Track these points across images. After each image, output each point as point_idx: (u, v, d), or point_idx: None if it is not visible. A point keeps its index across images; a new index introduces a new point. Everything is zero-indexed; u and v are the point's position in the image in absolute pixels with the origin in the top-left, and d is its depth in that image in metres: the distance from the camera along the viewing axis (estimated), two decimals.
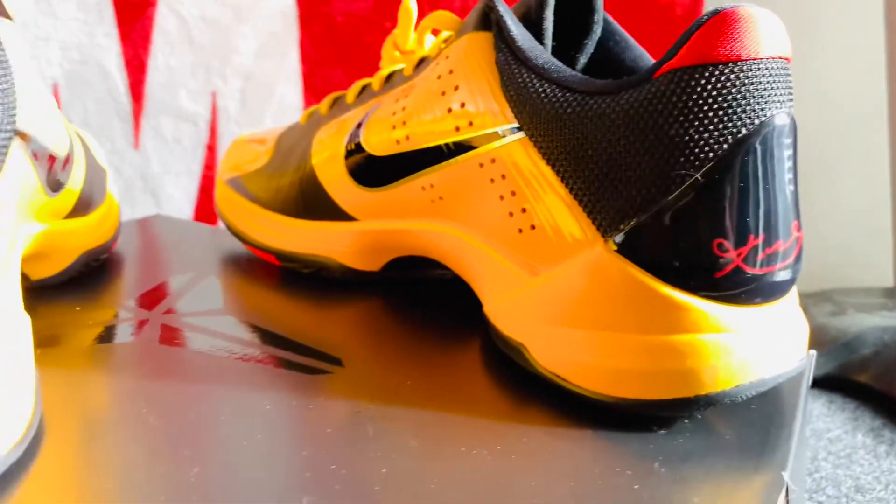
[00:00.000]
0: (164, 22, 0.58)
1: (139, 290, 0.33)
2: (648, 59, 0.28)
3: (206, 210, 0.62)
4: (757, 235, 0.21)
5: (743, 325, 0.22)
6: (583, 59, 0.28)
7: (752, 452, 0.21)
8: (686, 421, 0.23)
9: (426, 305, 0.32)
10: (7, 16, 0.24)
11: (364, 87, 0.33)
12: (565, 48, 0.28)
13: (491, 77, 0.25)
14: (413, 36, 0.32)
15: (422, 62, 0.30)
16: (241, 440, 0.21)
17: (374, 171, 0.30)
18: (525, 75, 0.24)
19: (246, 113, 0.60)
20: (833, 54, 0.57)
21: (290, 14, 0.59)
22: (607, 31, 0.28)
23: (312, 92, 0.60)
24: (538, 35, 0.26)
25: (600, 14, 0.28)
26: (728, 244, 0.21)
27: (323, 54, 0.60)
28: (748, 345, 0.22)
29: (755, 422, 0.23)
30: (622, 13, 0.31)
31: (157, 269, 0.36)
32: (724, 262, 0.21)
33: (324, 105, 0.34)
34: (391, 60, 0.33)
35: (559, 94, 0.23)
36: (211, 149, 0.61)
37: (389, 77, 0.31)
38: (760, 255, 0.21)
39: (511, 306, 0.26)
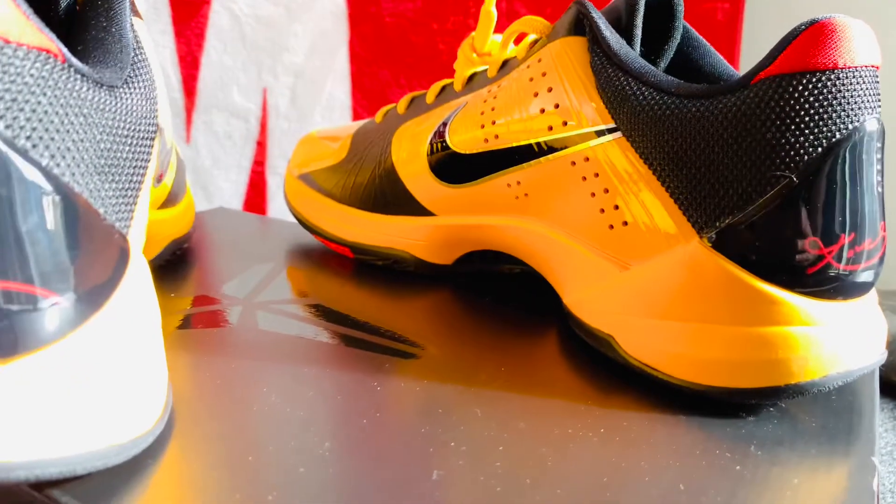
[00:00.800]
0: (218, 20, 0.60)
1: (224, 278, 0.34)
2: (725, 65, 0.29)
3: (254, 203, 0.63)
4: (847, 234, 0.23)
5: (832, 319, 0.23)
6: (663, 64, 0.29)
7: (839, 439, 0.23)
8: (771, 409, 0.24)
9: (497, 298, 0.33)
10: (138, 15, 0.25)
11: (444, 88, 0.34)
12: (647, 52, 0.29)
13: (586, 80, 0.26)
14: (493, 38, 0.33)
15: (505, 64, 0.31)
16: (361, 418, 0.22)
17: (458, 168, 0.31)
18: (622, 79, 0.25)
19: (296, 109, 0.62)
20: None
21: (341, 14, 0.60)
22: (686, 36, 0.29)
23: (360, 89, 0.62)
24: (627, 40, 0.27)
25: (681, 20, 0.29)
26: (820, 242, 0.22)
27: (371, 53, 0.61)
28: (836, 338, 0.23)
29: (837, 411, 0.24)
30: None
31: (233, 259, 0.37)
32: (815, 259, 0.23)
33: (401, 104, 0.36)
34: (468, 62, 0.35)
35: (657, 98, 0.24)
36: (260, 144, 0.62)
37: (471, 78, 0.33)
38: (849, 253, 0.23)
39: (598, 299, 0.27)
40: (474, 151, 0.30)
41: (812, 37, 0.22)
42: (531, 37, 0.30)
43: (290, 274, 0.35)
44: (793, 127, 0.22)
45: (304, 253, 0.39)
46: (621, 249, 0.26)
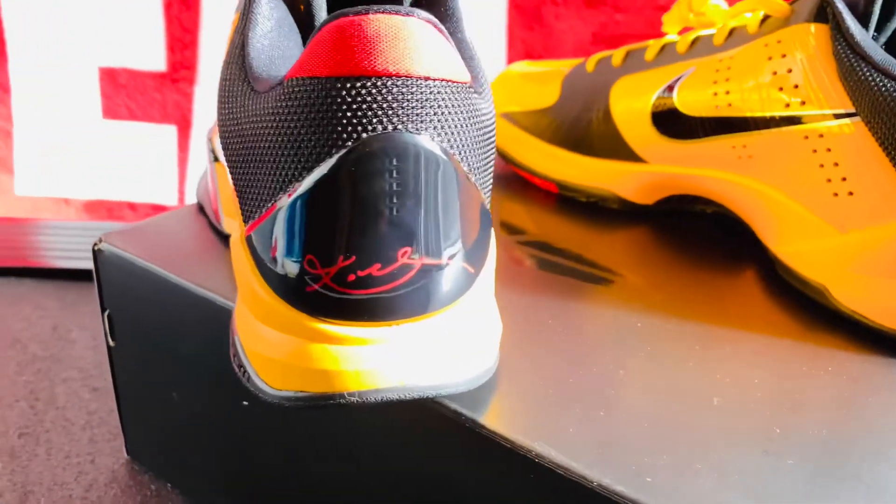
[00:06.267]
0: None
1: None
2: None
3: None
4: None
5: None
6: (882, 39, 0.32)
7: None
8: None
9: (694, 234, 0.38)
10: None
11: (664, 47, 0.37)
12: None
13: (828, 66, 0.30)
14: (717, 4, 0.36)
15: (732, 33, 0.34)
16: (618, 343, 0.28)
17: (683, 126, 0.35)
18: (865, 70, 0.29)
19: None
20: None
21: None
22: None
23: (515, 6, 0.65)
24: (863, 23, 0.30)
25: None
26: None
27: None
28: None
29: None
30: None
31: None
32: None
33: (616, 57, 0.39)
34: (682, 19, 0.38)
35: None
36: None
37: (693, 41, 0.36)
38: None
39: (815, 253, 0.32)
40: (703, 115, 0.34)
41: None
42: (761, 13, 0.33)
43: (506, 208, 0.41)
44: None
45: (507, 184, 0.44)
46: (843, 215, 0.30)
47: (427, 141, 0.21)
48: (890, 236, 0.29)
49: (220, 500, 0.36)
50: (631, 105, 0.38)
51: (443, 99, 0.21)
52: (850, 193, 0.30)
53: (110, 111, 0.67)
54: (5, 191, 0.67)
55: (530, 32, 0.66)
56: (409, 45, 0.20)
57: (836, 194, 0.30)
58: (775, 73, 0.31)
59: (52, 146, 0.67)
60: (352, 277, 0.21)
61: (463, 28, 0.26)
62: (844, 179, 0.30)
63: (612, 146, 0.39)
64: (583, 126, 0.40)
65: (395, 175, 0.20)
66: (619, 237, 0.39)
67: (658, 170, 0.38)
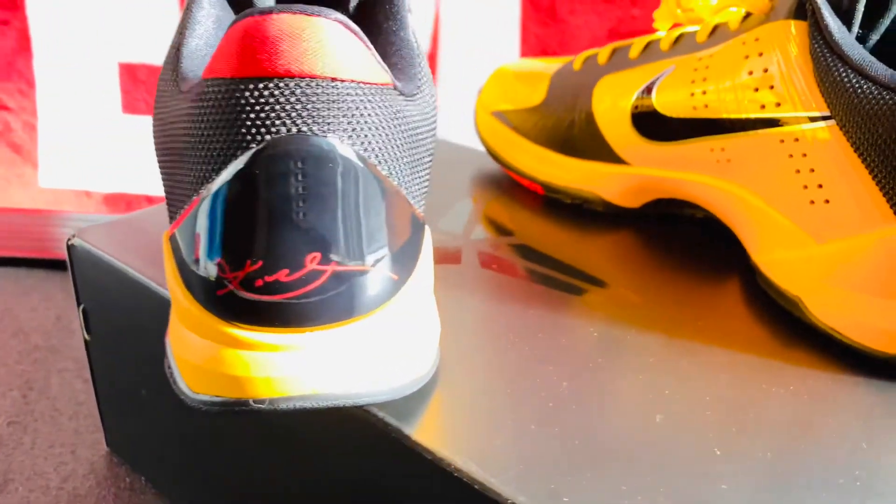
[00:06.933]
0: None
1: (437, 211, 0.39)
2: None
3: None
4: None
5: None
6: (874, 38, 0.30)
7: None
8: None
9: (680, 240, 0.37)
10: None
11: (648, 44, 0.36)
12: (860, 26, 0.30)
13: (804, 66, 0.28)
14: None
15: (715, 31, 0.33)
16: (587, 361, 0.27)
17: (661, 127, 0.34)
18: (842, 70, 0.27)
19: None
20: None
21: None
22: None
23: None
24: (847, 21, 0.28)
25: None
26: None
27: None
28: None
29: None
30: None
31: (435, 189, 0.42)
32: None
33: (602, 55, 0.38)
34: (671, 15, 0.36)
35: (876, 92, 0.26)
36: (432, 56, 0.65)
37: (677, 39, 0.35)
38: None
39: (791, 263, 0.30)
40: (681, 116, 0.33)
41: None
42: (743, 10, 0.32)
43: (491, 209, 0.40)
44: None
45: (496, 184, 0.43)
46: (820, 224, 0.29)
47: (336, 143, 0.20)
48: (865, 248, 0.27)
49: (191, 496, 0.37)
50: (612, 105, 0.36)
51: (354, 101, 0.20)
52: (827, 201, 0.28)
53: (130, 106, 0.68)
54: (30, 183, 0.69)
55: (545, 28, 0.65)
56: (313, 44, 0.19)
57: (812, 202, 0.29)
58: (751, 73, 0.30)
59: (75, 140, 0.69)
60: (259, 283, 0.21)
61: (406, 26, 0.25)
62: (821, 186, 0.28)
63: (595, 147, 0.38)
64: (566, 126, 0.39)
65: (300, 178, 0.20)
66: (601, 242, 0.37)
67: (640, 172, 0.36)
